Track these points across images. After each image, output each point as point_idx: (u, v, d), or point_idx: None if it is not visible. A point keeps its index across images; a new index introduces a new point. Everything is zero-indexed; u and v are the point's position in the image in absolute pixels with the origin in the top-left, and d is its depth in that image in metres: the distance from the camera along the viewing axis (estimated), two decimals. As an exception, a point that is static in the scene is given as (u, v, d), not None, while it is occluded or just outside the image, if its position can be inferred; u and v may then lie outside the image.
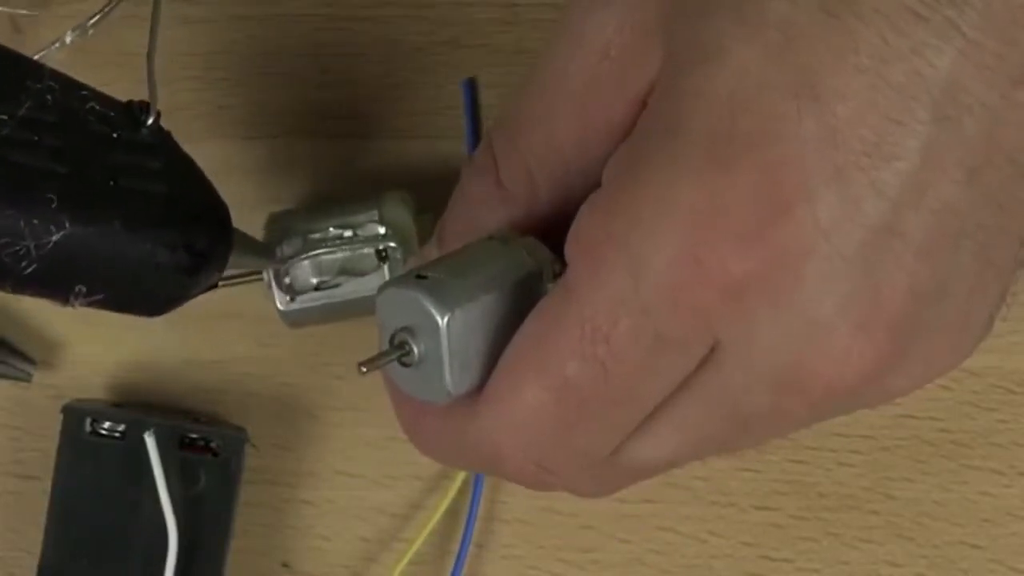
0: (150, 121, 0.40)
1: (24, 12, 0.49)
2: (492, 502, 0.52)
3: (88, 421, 0.50)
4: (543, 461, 0.34)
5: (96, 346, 0.53)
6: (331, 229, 0.48)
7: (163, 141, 0.40)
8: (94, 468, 0.50)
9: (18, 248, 0.35)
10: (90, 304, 0.38)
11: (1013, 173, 0.31)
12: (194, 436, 0.50)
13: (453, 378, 0.34)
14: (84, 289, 0.38)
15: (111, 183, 0.38)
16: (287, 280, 0.48)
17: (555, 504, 0.51)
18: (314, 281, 0.48)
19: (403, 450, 0.42)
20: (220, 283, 0.49)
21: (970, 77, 0.29)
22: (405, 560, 0.51)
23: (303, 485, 0.52)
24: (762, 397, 0.33)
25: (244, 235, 0.43)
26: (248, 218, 0.50)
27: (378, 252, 0.48)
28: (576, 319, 0.32)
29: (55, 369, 0.53)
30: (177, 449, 0.50)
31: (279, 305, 0.48)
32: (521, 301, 0.35)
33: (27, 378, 0.52)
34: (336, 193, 0.51)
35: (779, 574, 0.51)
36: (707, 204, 0.30)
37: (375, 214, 0.48)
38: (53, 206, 0.36)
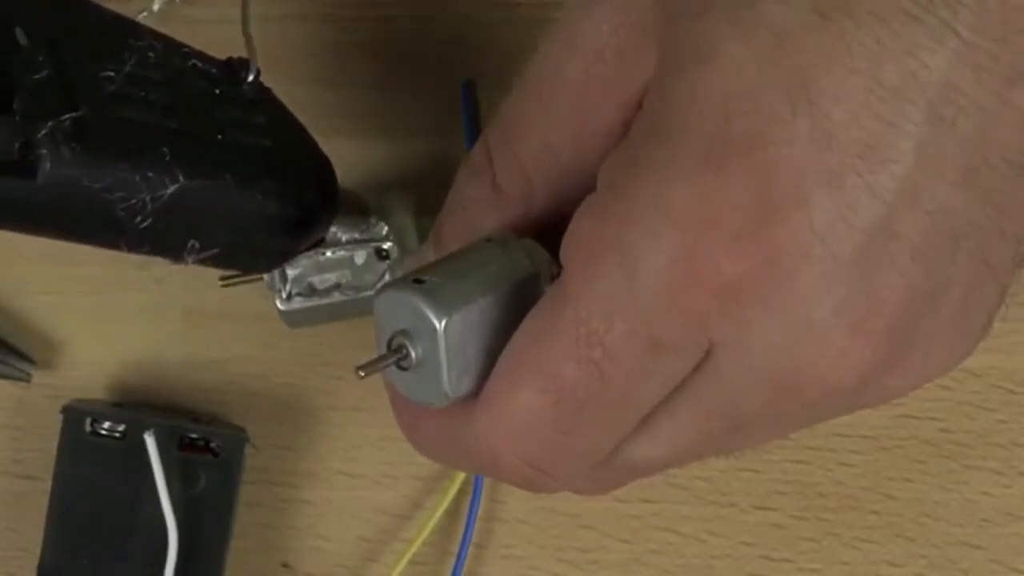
0: (251, 77, 0.40)
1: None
2: (492, 502, 0.52)
3: (88, 421, 0.50)
4: (540, 463, 0.34)
5: (96, 346, 0.53)
6: (331, 229, 0.48)
7: (265, 97, 0.40)
8: (94, 468, 0.50)
9: (134, 202, 0.35)
10: (203, 260, 0.38)
11: (1009, 173, 0.31)
12: (194, 436, 0.50)
13: (451, 381, 0.34)
14: (197, 244, 0.38)
15: (218, 137, 0.38)
16: (287, 280, 0.48)
17: (555, 504, 0.51)
18: (314, 281, 0.48)
19: (403, 450, 0.42)
20: (221, 283, 0.49)
21: (965, 78, 0.29)
22: (405, 560, 0.51)
23: (303, 485, 0.52)
24: (759, 399, 0.33)
25: (346, 191, 0.43)
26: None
27: (378, 252, 0.48)
28: (571, 322, 0.32)
29: (55, 369, 0.53)
30: (177, 449, 0.50)
31: (279, 305, 0.48)
32: (519, 303, 0.34)
33: (27, 378, 0.52)
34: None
35: (779, 574, 0.51)
36: (701, 206, 0.30)
37: (375, 214, 0.48)
38: (166, 160, 0.36)
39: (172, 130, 0.37)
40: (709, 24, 0.31)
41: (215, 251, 0.38)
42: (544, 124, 0.35)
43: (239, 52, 0.44)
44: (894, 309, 0.31)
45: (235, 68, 0.40)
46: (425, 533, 0.51)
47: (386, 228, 0.48)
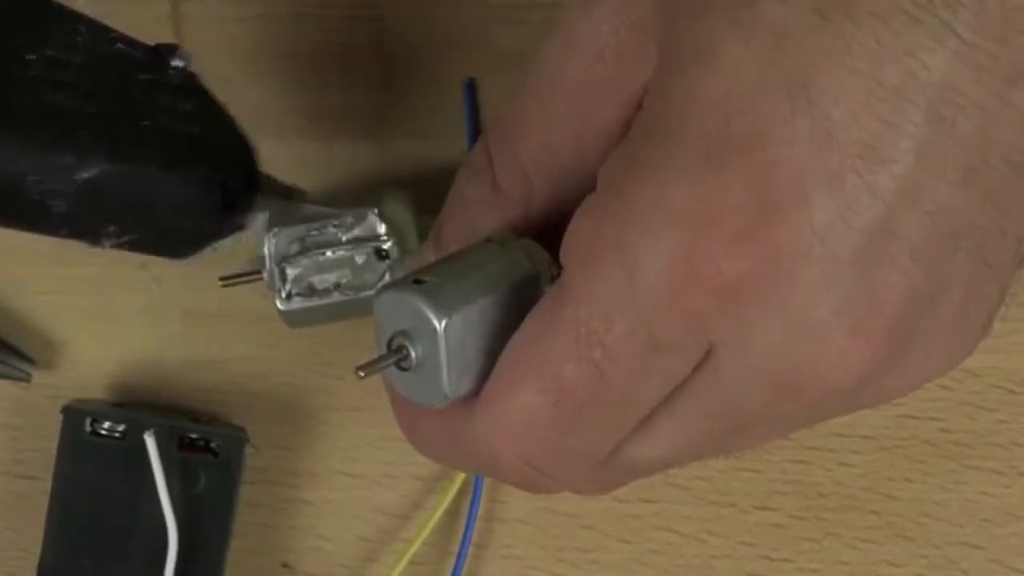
0: (178, 63, 0.40)
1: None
2: (492, 502, 0.52)
3: (88, 421, 0.50)
4: (540, 464, 0.34)
5: (96, 346, 0.53)
6: (331, 229, 0.48)
7: (190, 83, 0.40)
8: (94, 468, 0.50)
9: (50, 186, 0.36)
10: (121, 245, 0.38)
11: (1009, 173, 0.31)
12: (194, 436, 0.50)
13: (451, 382, 0.34)
14: (115, 229, 0.38)
15: (141, 123, 0.38)
16: (287, 280, 0.48)
17: (555, 504, 0.51)
18: (314, 281, 0.48)
19: (403, 450, 0.42)
20: (221, 283, 0.49)
21: (964, 78, 0.29)
22: (405, 560, 0.51)
23: (303, 485, 0.52)
24: (759, 399, 0.33)
25: (270, 176, 0.43)
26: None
27: (378, 252, 0.48)
28: (571, 322, 0.32)
29: (55, 369, 0.53)
30: (177, 449, 0.50)
31: (279, 305, 0.48)
32: (519, 304, 0.34)
33: (27, 378, 0.52)
34: (336, 193, 0.51)
35: (779, 574, 0.51)
36: (701, 206, 0.30)
37: (375, 213, 0.48)
38: (85, 144, 0.36)
39: (93, 114, 0.37)
40: (709, 24, 0.31)
41: (133, 237, 0.38)
42: (544, 124, 0.35)
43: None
44: (894, 309, 0.31)
45: (162, 54, 0.40)
46: (425, 533, 0.51)
47: (386, 227, 0.48)
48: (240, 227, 0.42)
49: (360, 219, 0.48)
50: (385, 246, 0.48)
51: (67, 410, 0.51)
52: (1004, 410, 0.50)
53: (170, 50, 0.40)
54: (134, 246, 0.39)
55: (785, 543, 0.51)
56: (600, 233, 0.32)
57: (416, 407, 0.36)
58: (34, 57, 0.36)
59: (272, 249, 0.48)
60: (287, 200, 0.46)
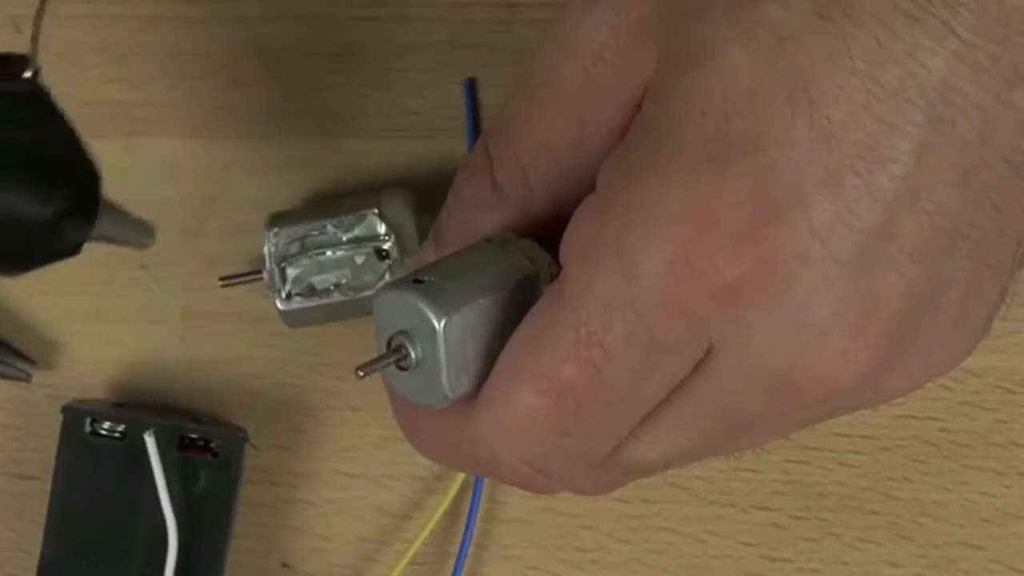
0: (27, 75, 0.39)
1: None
2: (492, 502, 0.52)
3: (88, 421, 0.50)
4: (539, 464, 0.34)
5: (96, 346, 0.53)
6: (331, 229, 0.48)
7: (38, 96, 0.40)
8: (94, 468, 0.50)
9: None
10: None
11: (1008, 174, 0.31)
12: (194, 436, 0.50)
13: (450, 382, 0.34)
14: None
15: None
16: (287, 280, 0.48)
17: (555, 504, 0.51)
18: (314, 281, 0.48)
19: (403, 450, 0.42)
20: (221, 283, 0.49)
21: (964, 79, 0.29)
22: (405, 560, 0.51)
23: (303, 485, 0.52)
24: (758, 399, 0.33)
25: (114, 205, 0.42)
26: (248, 218, 0.50)
27: (378, 252, 0.48)
28: (571, 323, 0.32)
29: (55, 369, 0.53)
30: (177, 449, 0.50)
31: (279, 305, 0.48)
32: (518, 304, 0.34)
33: (27, 378, 0.52)
34: (336, 193, 0.51)
35: (779, 574, 0.51)
36: (700, 208, 0.30)
37: (375, 213, 0.48)
38: None
39: None
40: (709, 25, 0.31)
41: None
42: (543, 125, 0.35)
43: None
44: (893, 310, 0.31)
45: (11, 64, 0.39)
46: (425, 533, 0.51)
47: (385, 227, 0.48)
48: (75, 251, 0.41)
49: (360, 219, 0.48)
50: (385, 246, 0.48)
51: (67, 410, 0.51)
52: (1004, 410, 0.50)
53: (20, 60, 0.39)
54: None
55: (785, 543, 0.51)
56: (599, 234, 0.32)
57: (416, 407, 0.36)
58: None
59: (272, 249, 0.48)
60: (134, 231, 0.45)
